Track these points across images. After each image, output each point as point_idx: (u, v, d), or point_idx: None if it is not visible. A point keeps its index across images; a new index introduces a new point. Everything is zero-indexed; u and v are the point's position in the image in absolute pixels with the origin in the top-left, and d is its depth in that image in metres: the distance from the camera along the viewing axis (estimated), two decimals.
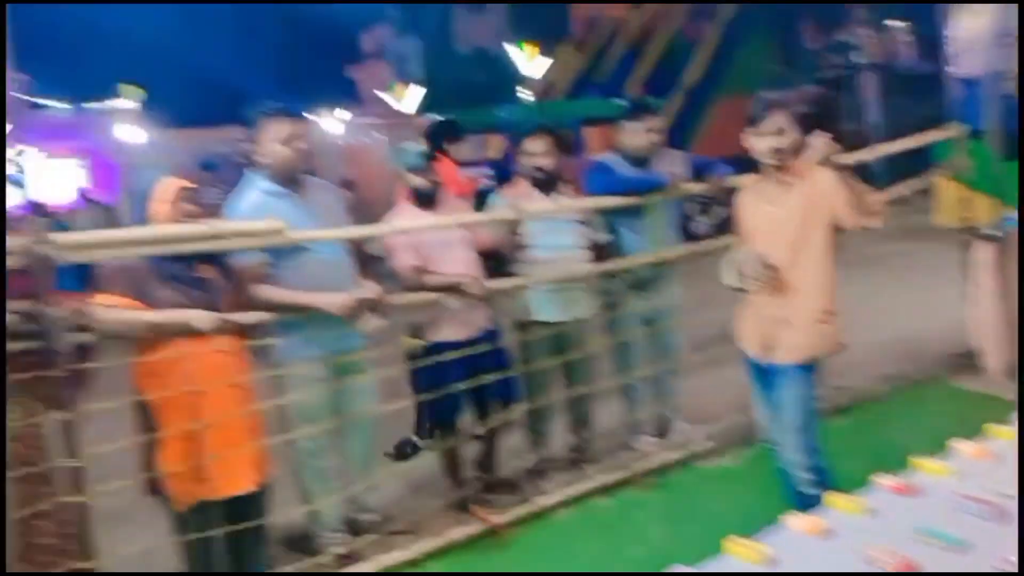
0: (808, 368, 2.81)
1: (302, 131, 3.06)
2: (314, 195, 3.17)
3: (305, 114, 3.34)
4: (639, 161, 3.83)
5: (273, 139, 2.98)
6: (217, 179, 5.87)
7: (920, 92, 17.60)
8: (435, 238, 3.41)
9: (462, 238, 3.49)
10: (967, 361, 4.83)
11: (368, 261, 3.33)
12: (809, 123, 2.78)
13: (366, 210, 14.52)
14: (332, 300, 2.92)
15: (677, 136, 16.28)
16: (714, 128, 15.38)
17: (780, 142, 2.75)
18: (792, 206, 2.77)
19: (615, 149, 3.94)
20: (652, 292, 3.94)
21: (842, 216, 2.70)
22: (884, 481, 1.94)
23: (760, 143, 2.77)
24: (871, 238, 4.65)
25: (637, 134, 3.81)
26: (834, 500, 1.89)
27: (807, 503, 2.78)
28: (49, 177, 20.07)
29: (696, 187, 3.88)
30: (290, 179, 3.05)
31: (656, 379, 4.08)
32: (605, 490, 3.64)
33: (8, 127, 14.86)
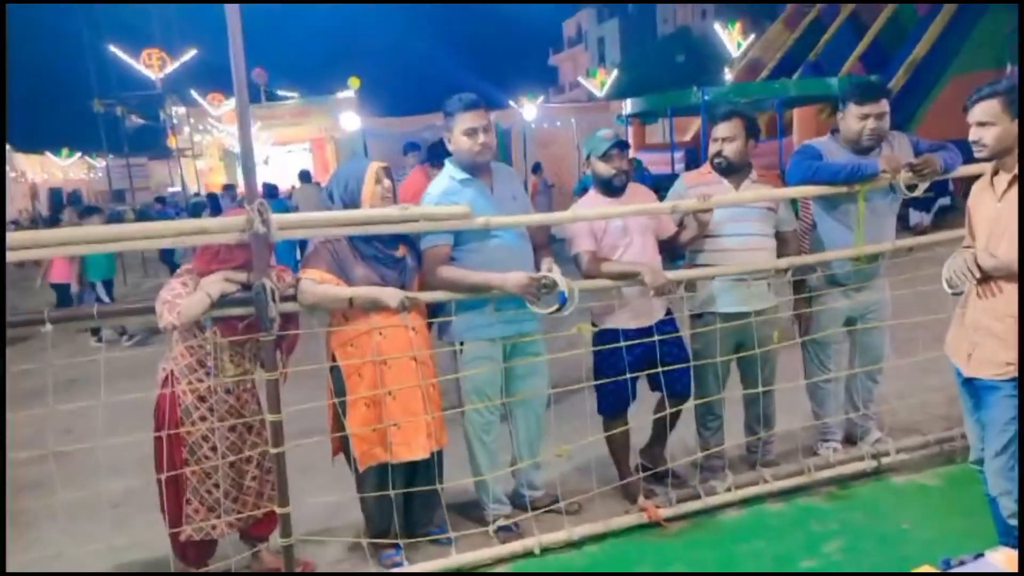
0: (1010, 396, 2.48)
1: (487, 123, 3.18)
2: (499, 181, 3.29)
3: (496, 104, 3.46)
4: (860, 148, 3.52)
5: (460, 131, 3.14)
6: (420, 159, 6.35)
7: None
8: (615, 225, 3.40)
9: (643, 226, 3.44)
10: None
11: (546, 245, 3.40)
12: (1014, 97, 2.43)
13: (555, 193, 14.80)
14: (507, 278, 3.03)
15: (900, 116, 14.82)
16: (945, 108, 13.79)
17: (980, 134, 2.46)
18: (1012, 204, 2.46)
19: (834, 133, 3.65)
20: (857, 288, 3.64)
21: None
22: None
23: (971, 133, 2.49)
24: None
25: (874, 118, 3.46)
26: (1002, 557, 1.67)
27: (1014, 536, 2.48)
28: (279, 160, 22.47)
29: (902, 177, 3.48)
30: (476, 167, 3.19)
31: (853, 382, 3.79)
32: (780, 495, 3.46)
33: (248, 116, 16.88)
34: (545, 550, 3.14)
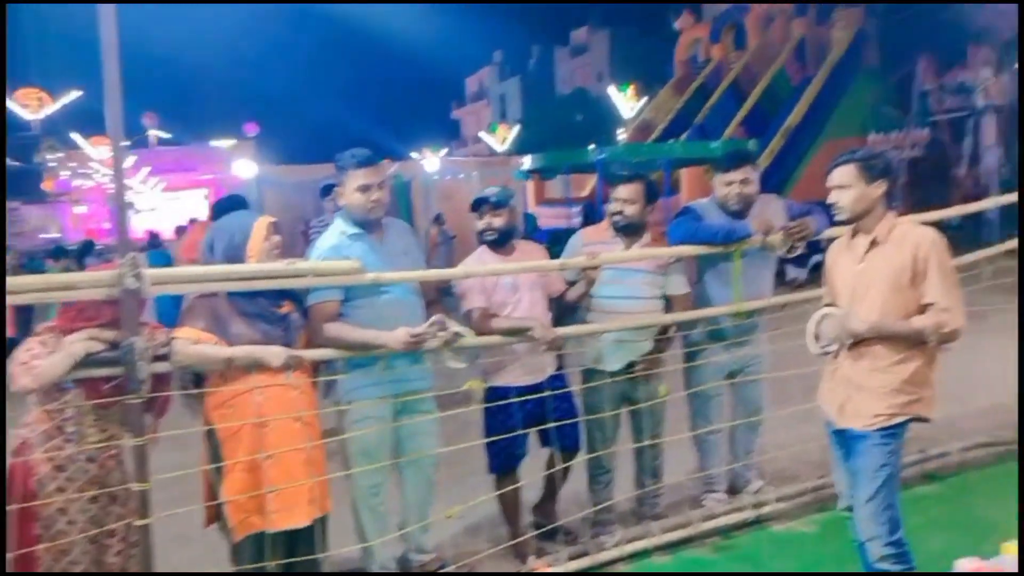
0: (886, 435, 2.65)
1: (381, 180, 3.18)
2: (390, 236, 3.27)
3: (398, 156, 3.47)
4: (730, 211, 3.72)
5: (353, 187, 3.11)
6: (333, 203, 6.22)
7: None
8: (504, 282, 3.44)
9: (532, 283, 3.50)
10: None
11: (438, 301, 3.39)
12: (880, 173, 2.66)
13: (457, 244, 14.87)
14: (390, 336, 2.99)
15: (777, 178, 15.89)
16: (818, 171, 14.93)
17: (838, 196, 2.67)
18: (878, 266, 2.66)
19: (717, 196, 3.85)
20: (737, 343, 3.81)
21: (921, 291, 2.58)
22: (966, 564, 1.81)
23: (830, 196, 2.69)
24: (977, 293, 4.36)
25: (739, 184, 3.69)
26: None
27: None
28: (167, 208, 21.59)
29: (777, 239, 3.71)
30: (368, 223, 3.17)
31: (735, 433, 3.94)
32: (667, 547, 3.51)
33: (133, 159, 16.18)
34: None
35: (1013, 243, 4.70)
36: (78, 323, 2.64)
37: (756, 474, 4.01)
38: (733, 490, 3.96)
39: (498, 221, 3.46)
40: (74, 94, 19.58)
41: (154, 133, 22.46)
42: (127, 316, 2.57)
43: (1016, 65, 17.56)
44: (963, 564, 1.85)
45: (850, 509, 2.82)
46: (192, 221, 11.27)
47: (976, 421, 4.63)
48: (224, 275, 2.86)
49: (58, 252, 10.94)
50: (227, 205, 5.54)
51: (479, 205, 3.50)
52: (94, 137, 22.44)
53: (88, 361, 2.60)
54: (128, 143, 16.95)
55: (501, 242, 3.49)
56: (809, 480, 3.91)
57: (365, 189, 3.10)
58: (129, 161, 15.91)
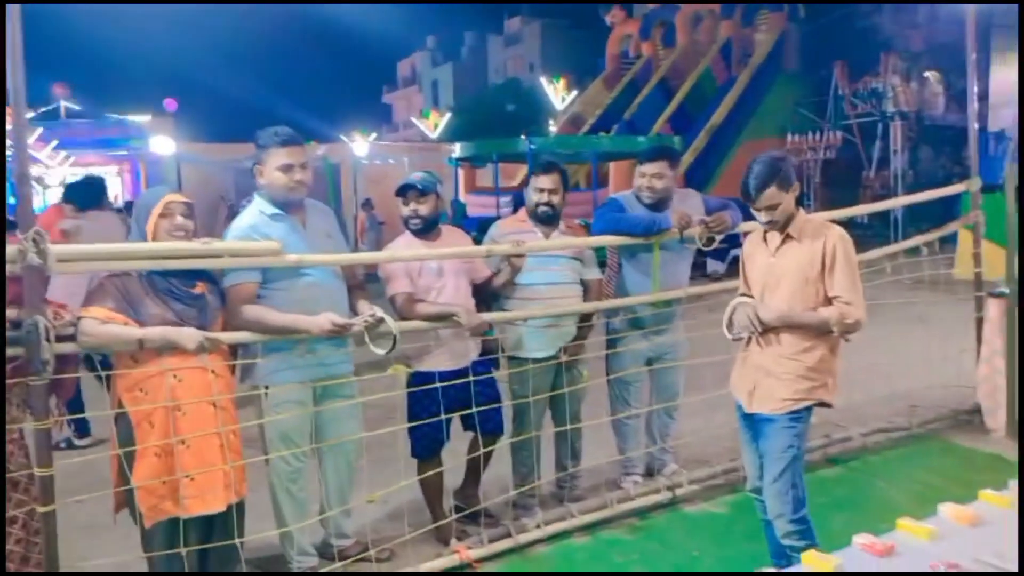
0: (792, 419, 2.78)
1: (302, 160, 3.10)
2: (312, 218, 3.21)
3: (326, 138, 3.40)
4: (654, 202, 3.83)
5: (275, 166, 3.04)
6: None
7: (948, 143, 17.58)
8: (429, 267, 3.44)
9: (457, 269, 3.51)
10: (969, 418, 4.74)
11: (362, 285, 3.36)
12: (793, 179, 2.78)
13: (385, 230, 14.70)
14: (313, 321, 2.94)
15: (700, 175, 16.35)
16: (739, 169, 15.43)
17: (771, 215, 2.77)
18: (789, 259, 2.78)
19: (634, 188, 3.94)
20: (655, 331, 3.92)
21: (827, 284, 2.72)
22: (863, 541, 1.92)
23: (762, 216, 2.79)
24: (883, 289, 4.62)
25: (650, 177, 3.81)
26: (809, 558, 1.87)
27: (788, 557, 2.75)
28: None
29: (696, 232, 3.85)
30: (289, 203, 3.10)
31: (652, 418, 4.06)
32: (586, 528, 3.60)
33: (39, 131, 15.30)
34: None
35: (911, 241, 5.01)
36: None
37: (672, 457, 4.15)
38: (649, 473, 4.09)
39: (423, 208, 3.45)
40: None
41: (65, 105, 21.25)
42: (30, 294, 2.45)
43: (925, 73, 18.58)
44: (859, 539, 1.97)
45: (757, 491, 2.96)
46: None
47: (876, 408, 4.91)
48: (134, 253, 2.76)
49: None
50: (80, 188, 5.38)
51: (404, 191, 3.48)
52: None
53: None
54: (33, 114, 16.00)
55: (426, 229, 3.48)
56: (720, 464, 4.07)
57: (287, 169, 3.03)
58: (35, 133, 15.01)
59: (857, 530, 1.97)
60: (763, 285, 2.86)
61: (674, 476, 3.97)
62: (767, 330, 2.80)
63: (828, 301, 2.75)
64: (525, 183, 3.97)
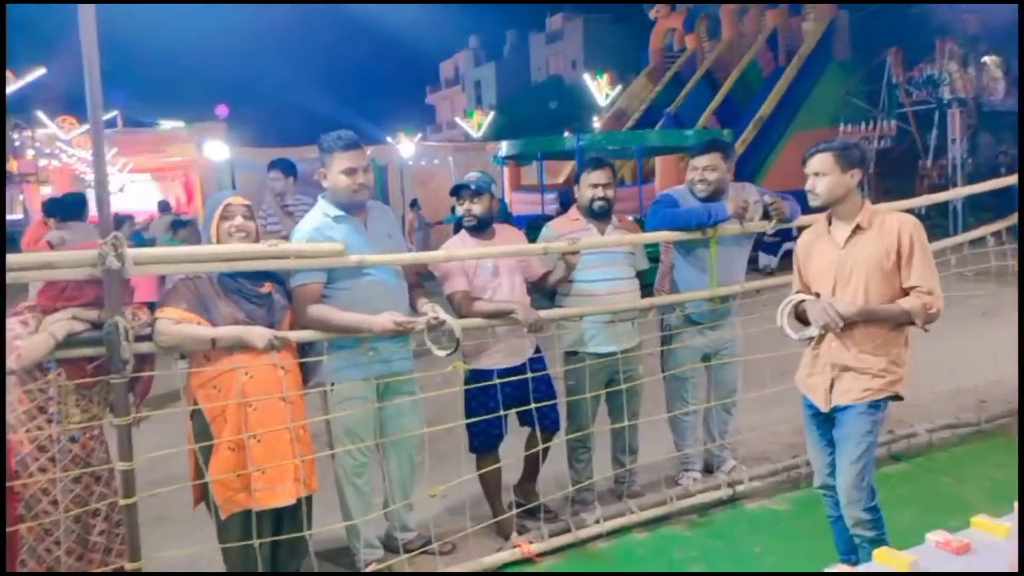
0: (872, 406, 2.73)
1: (366, 163, 3.20)
2: (374, 219, 3.28)
3: (372, 140, 3.47)
4: (708, 195, 3.80)
5: (339, 169, 3.12)
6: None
7: (1008, 129, 16.94)
8: (485, 266, 3.47)
9: (511, 267, 3.53)
10: None
11: (420, 284, 3.41)
12: (855, 162, 2.73)
13: (432, 230, 14.83)
14: (374, 321, 3.01)
15: (749, 168, 16.08)
16: (788, 161, 15.12)
17: (814, 183, 2.75)
18: (861, 250, 2.72)
19: (687, 182, 3.92)
20: (712, 327, 3.89)
21: (903, 274, 2.66)
22: (937, 538, 1.89)
23: (807, 183, 2.76)
24: (948, 281, 4.49)
25: (703, 170, 3.77)
26: (883, 555, 1.84)
27: (857, 555, 2.71)
28: (137, 191, 21.18)
29: (757, 224, 3.81)
30: (353, 205, 3.18)
31: (709, 415, 4.03)
32: (645, 525, 3.59)
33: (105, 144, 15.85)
34: None
35: (977, 232, 4.85)
36: (59, 303, 2.62)
37: (731, 454, 4.11)
38: (708, 469, 4.06)
39: (477, 207, 3.49)
40: (37, 72, 19.05)
41: (121, 113, 22.00)
42: (109, 296, 2.56)
43: (984, 58, 17.93)
44: (933, 537, 1.93)
45: (826, 487, 2.91)
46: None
47: (942, 403, 4.78)
48: (204, 256, 2.85)
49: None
50: (60, 203, 5.96)
51: (459, 191, 3.52)
52: (61, 116, 21.92)
53: (70, 341, 2.59)
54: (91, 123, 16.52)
55: (480, 228, 3.52)
56: (781, 460, 4.02)
57: (351, 172, 3.11)
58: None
59: (925, 528, 1.93)
60: (834, 279, 2.78)
61: (733, 473, 3.93)
62: (845, 326, 2.74)
63: (904, 292, 2.69)
64: (570, 180, 3.99)
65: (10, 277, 2.59)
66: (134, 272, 2.63)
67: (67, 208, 5.75)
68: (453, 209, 5.46)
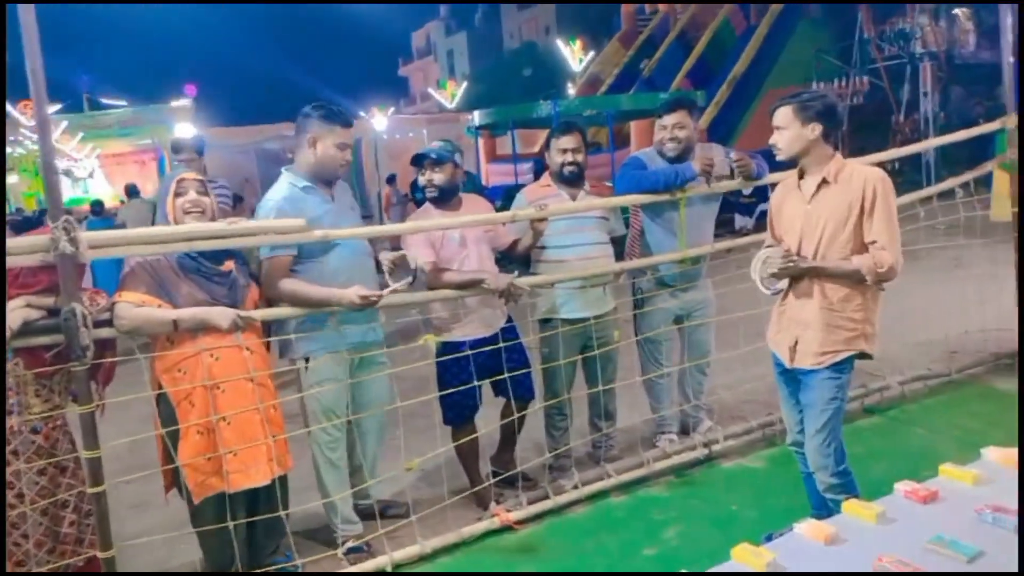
0: (835, 370, 2.73)
1: (351, 141, 3.21)
2: (339, 192, 3.24)
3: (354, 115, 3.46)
4: (667, 157, 3.77)
5: (333, 143, 3.09)
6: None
7: (980, 82, 17.00)
8: (451, 237, 3.43)
9: (478, 237, 3.49)
10: (1010, 362, 4.65)
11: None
12: (815, 115, 2.70)
13: (410, 203, 14.69)
14: (344, 295, 2.97)
15: (723, 128, 16.05)
16: (762, 120, 15.12)
17: (776, 138, 2.73)
18: (826, 204, 2.71)
19: (655, 143, 3.88)
20: (684, 289, 3.89)
21: (864, 228, 2.65)
22: (905, 488, 1.91)
23: (771, 138, 2.73)
24: (918, 234, 4.52)
25: (672, 128, 3.74)
26: (851, 507, 1.85)
27: (829, 508, 2.73)
28: (105, 173, 20.79)
29: (724, 184, 3.80)
30: (326, 178, 3.14)
31: (684, 376, 4.04)
32: (623, 488, 3.62)
33: (64, 125, 15.50)
34: (398, 566, 3.10)
35: (945, 184, 4.86)
36: (12, 290, 2.56)
37: (706, 414, 4.14)
38: (685, 431, 4.09)
39: (438, 177, 3.43)
40: None
41: (87, 96, 21.48)
42: (65, 281, 2.50)
43: (954, 10, 17.90)
44: (901, 487, 1.95)
45: (797, 444, 2.93)
46: None
47: (913, 355, 4.84)
48: (161, 237, 2.78)
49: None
50: None
51: (419, 161, 3.47)
52: (22, 102, 21.35)
53: (27, 330, 2.53)
54: (58, 106, 16.16)
55: (444, 198, 3.47)
56: (756, 419, 4.05)
57: (343, 147, 3.13)
58: (60, 127, 15.18)
59: (898, 479, 1.95)
60: (800, 232, 2.77)
61: (709, 433, 3.96)
62: (802, 281, 2.74)
63: (865, 247, 2.68)
64: (545, 149, 3.92)
65: None
66: (89, 256, 2.57)
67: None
68: (414, 182, 5.33)
